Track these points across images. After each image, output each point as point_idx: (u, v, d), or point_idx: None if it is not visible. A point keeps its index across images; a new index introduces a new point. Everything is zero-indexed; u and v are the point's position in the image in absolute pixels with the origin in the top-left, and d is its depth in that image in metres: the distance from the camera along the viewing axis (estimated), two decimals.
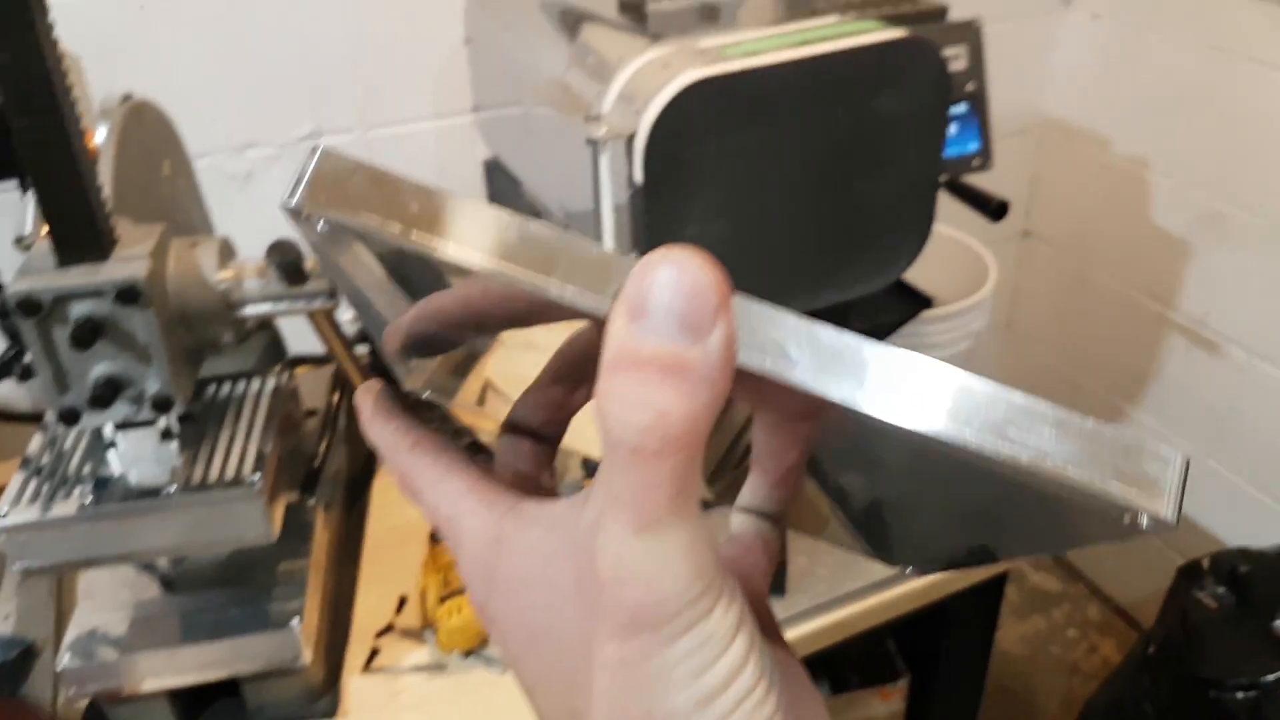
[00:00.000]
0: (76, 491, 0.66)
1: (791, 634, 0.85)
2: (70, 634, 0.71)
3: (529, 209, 1.08)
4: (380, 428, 0.26)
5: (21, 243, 0.72)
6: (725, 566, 0.26)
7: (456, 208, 0.21)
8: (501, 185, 1.16)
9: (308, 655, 0.72)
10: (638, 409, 0.18)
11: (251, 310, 0.67)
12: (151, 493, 0.66)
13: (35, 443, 0.71)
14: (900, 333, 1.19)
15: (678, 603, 0.19)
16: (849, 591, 0.88)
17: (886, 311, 1.14)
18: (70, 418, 0.64)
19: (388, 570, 0.89)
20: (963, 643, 1.14)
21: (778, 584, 0.86)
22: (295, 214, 0.22)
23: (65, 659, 0.69)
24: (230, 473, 0.67)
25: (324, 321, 0.78)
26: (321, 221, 0.22)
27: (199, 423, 0.71)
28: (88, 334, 0.60)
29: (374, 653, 0.81)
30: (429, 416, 0.28)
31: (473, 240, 0.20)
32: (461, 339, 0.28)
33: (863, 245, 0.87)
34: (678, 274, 0.18)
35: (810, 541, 0.91)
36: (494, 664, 0.80)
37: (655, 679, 0.20)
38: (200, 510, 0.66)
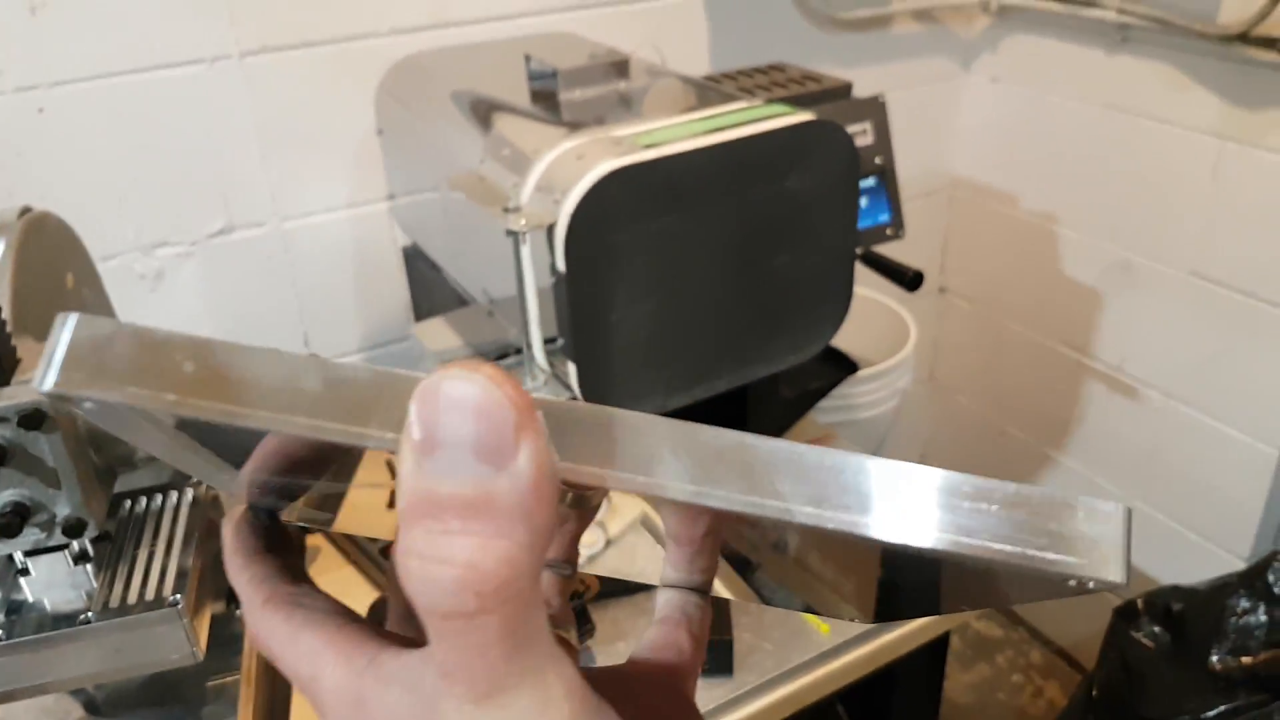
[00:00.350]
0: None
1: (740, 714, 0.85)
2: None
3: (451, 295, 1.09)
4: (236, 573, 0.24)
5: None
6: (645, 655, 0.27)
7: (240, 359, 0.18)
8: (422, 272, 1.17)
9: None
10: (442, 565, 0.16)
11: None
12: (68, 619, 0.64)
13: None
14: (829, 397, 1.22)
15: None
16: (797, 665, 0.88)
17: (815, 378, 1.17)
18: None
19: None
20: (912, 701, 1.15)
21: (724, 663, 0.86)
22: (54, 397, 0.19)
23: None
24: (150, 593, 0.65)
25: None
26: (87, 401, 0.19)
27: (115, 542, 0.69)
28: None
29: None
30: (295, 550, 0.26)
31: (260, 395, 0.18)
32: (314, 481, 0.26)
33: (787, 319, 0.89)
34: (464, 393, 0.16)
35: (755, 617, 0.92)
36: None
37: None
38: (121, 635, 0.64)
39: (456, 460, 0.16)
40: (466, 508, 0.16)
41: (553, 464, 0.17)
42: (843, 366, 1.20)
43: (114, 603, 0.64)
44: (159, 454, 0.26)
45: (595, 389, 0.82)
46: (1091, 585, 0.18)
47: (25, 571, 0.64)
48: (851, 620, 0.31)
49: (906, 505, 0.18)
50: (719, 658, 0.86)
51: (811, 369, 1.17)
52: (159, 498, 0.74)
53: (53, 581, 0.64)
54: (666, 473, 0.18)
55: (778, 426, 1.16)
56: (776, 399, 1.12)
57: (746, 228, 0.83)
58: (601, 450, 0.18)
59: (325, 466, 0.24)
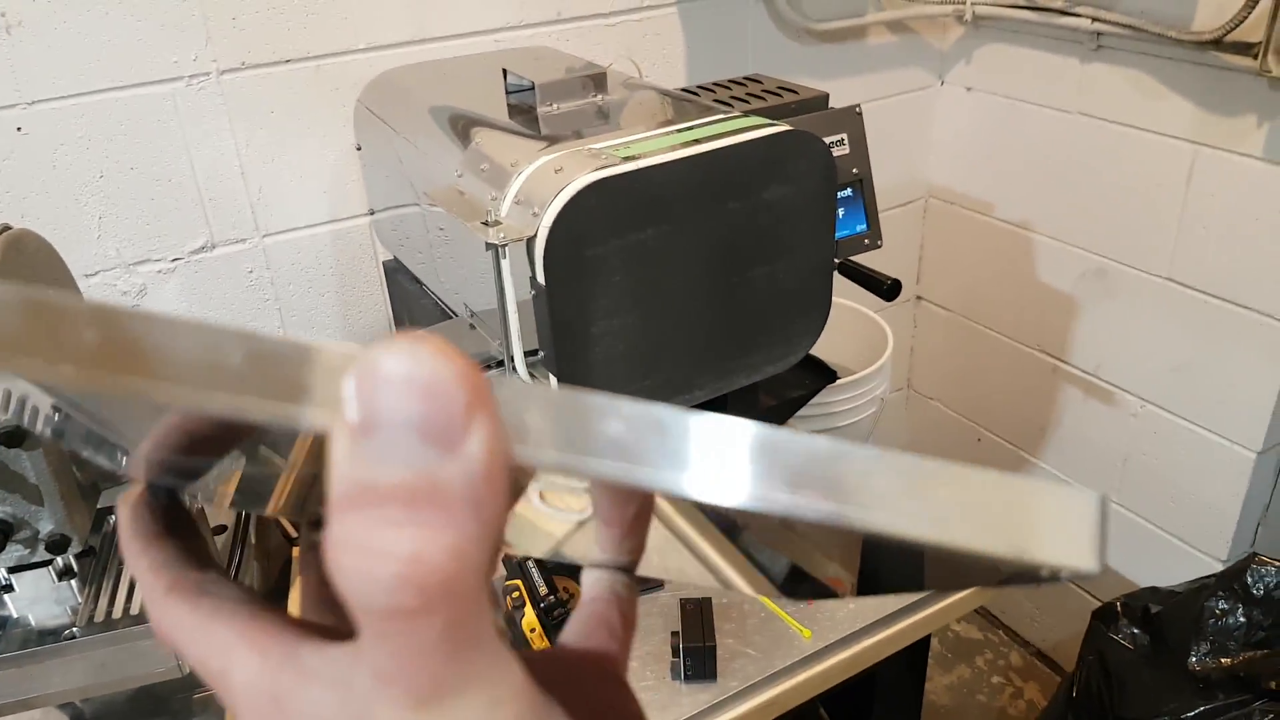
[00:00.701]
0: None
1: (726, 717, 0.87)
2: None
3: (433, 309, 1.10)
4: (134, 560, 0.22)
5: None
6: (579, 639, 0.26)
7: (152, 329, 0.16)
8: (403, 286, 1.18)
9: None
10: (382, 559, 0.14)
11: None
12: (54, 635, 0.64)
13: None
14: (808, 405, 1.24)
15: None
16: (779, 669, 0.90)
17: (794, 387, 1.19)
18: None
19: None
20: (893, 704, 1.17)
21: (708, 669, 0.88)
22: None
23: None
24: (135, 608, 0.66)
25: None
26: None
27: (99, 557, 0.70)
28: None
29: None
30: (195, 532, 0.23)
31: (175, 370, 0.16)
32: (226, 460, 0.24)
33: (766, 329, 0.91)
34: (409, 368, 0.15)
35: (738, 622, 0.94)
36: None
37: None
38: (106, 650, 0.64)
39: (399, 443, 0.15)
40: (410, 496, 0.14)
41: (508, 448, 0.15)
42: (821, 375, 1.22)
43: (99, 618, 0.65)
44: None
45: None
46: (1063, 574, 0.17)
47: (9, 588, 0.65)
48: (839, 590, 0.30)
49: (881, 491, 0.17)
50: (702, 663, 0.87)
51: (790, 378, 1.19)
52: None
53: (37, 597, 0.65)
54: (644, 461, 0.16)
55: None
56: (756, 408, 1.13)
57: (725, 239, 0.85)
58: (563, 434, 0.16)
59: (239, 444, 0.22)
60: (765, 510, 0.17)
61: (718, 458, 0.17)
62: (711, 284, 0.86)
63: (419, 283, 1.13)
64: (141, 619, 0.66)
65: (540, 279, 0.78)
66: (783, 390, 1.18)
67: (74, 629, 0.65)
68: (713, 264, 0.85)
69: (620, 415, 0.17)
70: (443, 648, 0.15)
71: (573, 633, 0.27)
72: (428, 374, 0.15)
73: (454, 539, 0.15)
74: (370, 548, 0.14)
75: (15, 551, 0.62)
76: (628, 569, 0.28)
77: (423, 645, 0.15)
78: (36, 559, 0.63)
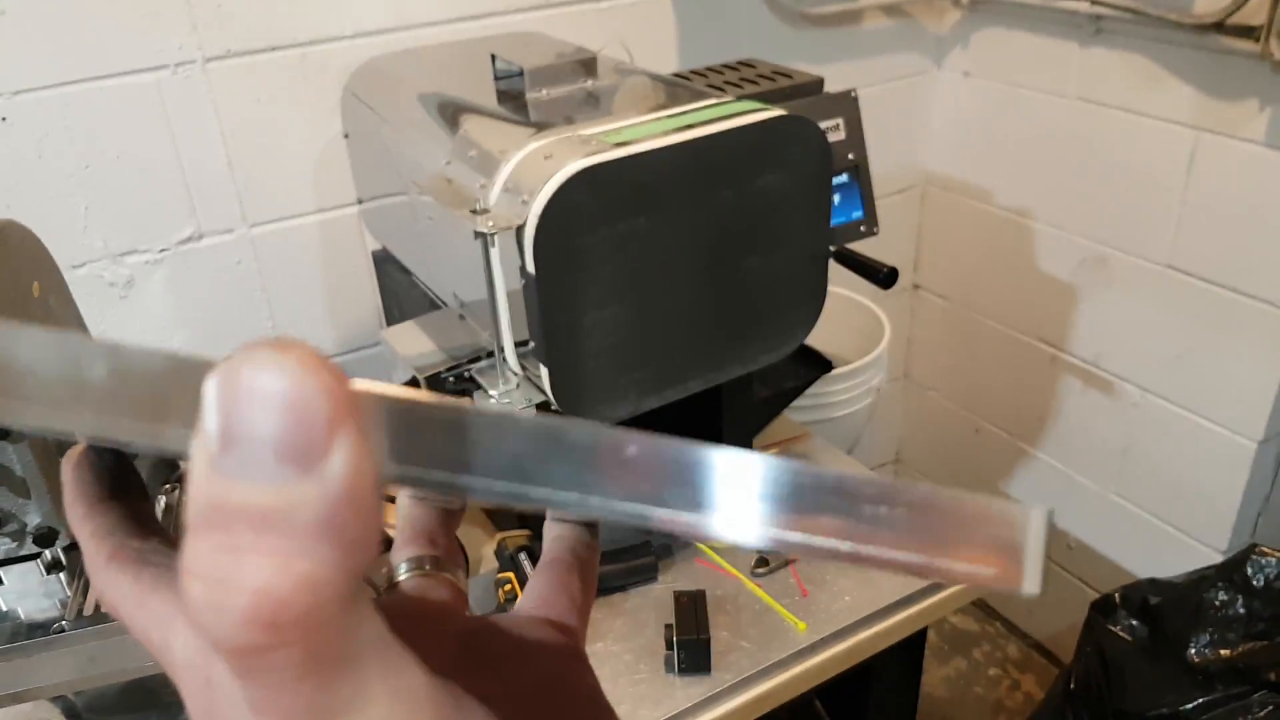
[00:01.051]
0: None
1: (719, 712, 0.87)
2: None
3: (422, 299, 1.11)
4: (77, 526, 0.21)
5: None
6: (536, 608, 0.26)
7: (7, 342, 0.16)
8: (392, 276, 1.19)
9: None
10: (230, 590, 0.13)
11: None
12: (43, 628, 0.65)
13: None
14: (804, 396, 1.25)
15: None
16: (774, 662, 0.91)
17: (789, 378, 1.20)
18: None
19: None
20: (890, 697, 1.18)
21: (702, 662, 0.89)
22: None
23: None
24: None
25: None
26: None
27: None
28: None
29: None
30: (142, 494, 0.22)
31: (33, 388, 0.15)
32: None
33: (760, 319, 0.92)
34: (269, 380, 0.14)
35: (732, 615, 0.94)
36: None
37: None
38: (96, 643, 0.65)
39: (255, 460, 0.14)
40: (261, 520, 0.14)
41: (373, 468, 0.14)
42: (817, 365, 1.23)
43: (88, 611, 0.65)
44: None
45: (567, 391, 0.84)
46: (1002, 589, 0.17)
47: None
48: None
49: (802, 504, 0.17)
50: (696, 656, 0.88)
51: (785, 368, 1.19)
52: None
53: (26, 591, 0.66)
54: (529, 480, 0.16)
55: (752, 427, 1.19)
56: (751, 399, 1.14)
57: (718, 226, 0.85)
58: (447, 452, 0.16)
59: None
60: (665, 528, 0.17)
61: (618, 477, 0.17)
62: (704, 273, 0.87)
63: (408, 272, 1.14)
64: None
65: (530, 268, 0.78)
66: (778, 381, 1.18)
67: (63, 622, 0.66)
68: (706, 252, 0.86)
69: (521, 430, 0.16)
70: (309, 679, 0.14)
71: (531, 598, 0.27)
72: (289, 386, 0.14)
73: (307, 569, 0.14)
74: (218, 576, 0.14)
75: (2, 545, 0.63)
76: (589, 523, 0.28)
77: (286, 678, 0.14)
78: (24, 552, 0.64)
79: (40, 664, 0.65)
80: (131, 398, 0.15)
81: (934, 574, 0.17)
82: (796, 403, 1.24)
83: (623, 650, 0.91)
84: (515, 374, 0.89)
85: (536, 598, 0.27)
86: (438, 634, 0.24)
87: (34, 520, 0.63)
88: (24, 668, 0.65)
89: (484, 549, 1.06)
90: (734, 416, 1.13)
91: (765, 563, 0.99)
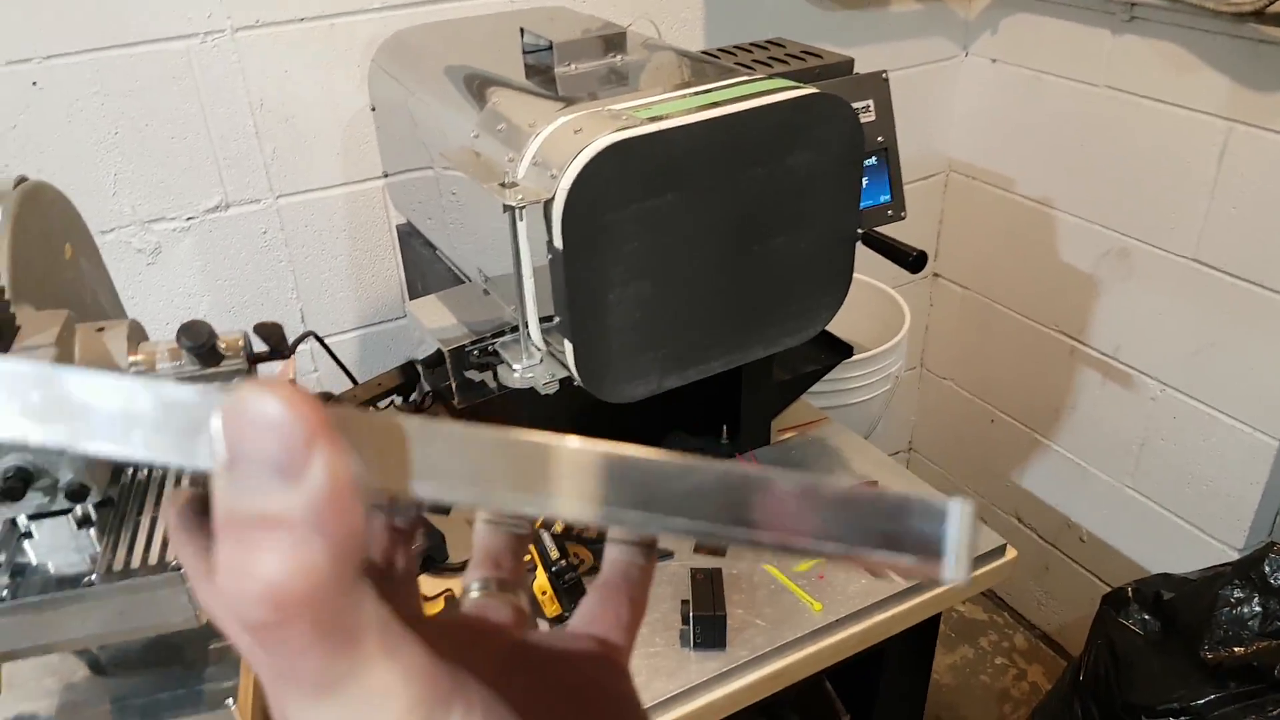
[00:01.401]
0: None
1: (732, 687, 0.89)
2: None
3: (446, 274, 1.12)
4: (180, 548, 0.25)
5: None
6: (583, 625, 0.29)
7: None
8: (416, 251, 1.20)
9: None
10: (247, 580, 0.17)
11: None
12: (72, 582, 0.66)
13: None
14: (822, 380, 1.26)
15: None
16: (789, 641, 0.92)
17: (809, 362, 1.20)
18: None
19: None
20: (900, 681, 1.19)
21: (717, 638, 0.90)
22: None
23: None
24: (153, 558, 0.68)
25: None
26: None
27: (118, 507, 0.72)
28: (13, 487, 0.61)
29: None
30: None
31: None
32: None
33: (785, 300, 0.93)
34: (259, 410, 0.17)
35: (749, 593, 0.95)
36: None
37: None
38: (123, 598, 0.66)
39: (255, 476, 0.17)
40: (263, 522, 0.17)
41: (349, 475, 0.18)
42: (837, 350, 1.24)
43: (117, 566, 0.67)
44: None
45: (592, 368, 0.85)
46: (931, 577, 0.19)
47: (29, 535, 0.67)
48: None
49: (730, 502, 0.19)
50: (712, 632, 0.89)
51: (806, 352, 1.20)
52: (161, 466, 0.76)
53: (56, 546, 0.67)
54: (474, 489, 0.20)
55: (771, 409, 1.20)
56: (770, 381, 1.15)
57: (746, 205, 0.86)
58: (401, 463, 0.20)
59: None
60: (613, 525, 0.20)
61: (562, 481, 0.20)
62: (731, 252, 0.87)
63: (432, 247, 1.15)
64: (160, 569, 0.68)
65: (557, 243, 0.79)
66: (797, 364, 1.19)
67: (92, 577, 0.67)
68: (733, 231, 0.87)
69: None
70: (317, 648, 0.18)
71: (581, 615, 0.30)
72: (273, 414, 0.17)
73: (302, 558, 0.17)
74: (238, 570, 0.17)
75: (34, 500, 0.64)
76: (646, 544, 0.30)
77: (297, 649, 0.18)
78: (56, 507, 0.65)
79: (68, 617, 0.66)
80: (169, 426, 0.19)
81: (857, 562, 0.19)
82: (814, 388, 1.24)
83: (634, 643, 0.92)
84: (539, 349, 0.90)
85: (586, 615, 0.30)
86: (490, 646, 0.27)
87: (66, 476, 0.64)
88: (52, 620, 0.66)
89: None
90: (753, 398, 1.14)
91: None
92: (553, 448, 0.20)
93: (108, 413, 0.19)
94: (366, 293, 1.31)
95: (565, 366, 0.88)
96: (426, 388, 1.28)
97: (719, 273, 0.88)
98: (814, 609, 0.95)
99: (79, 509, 0.67)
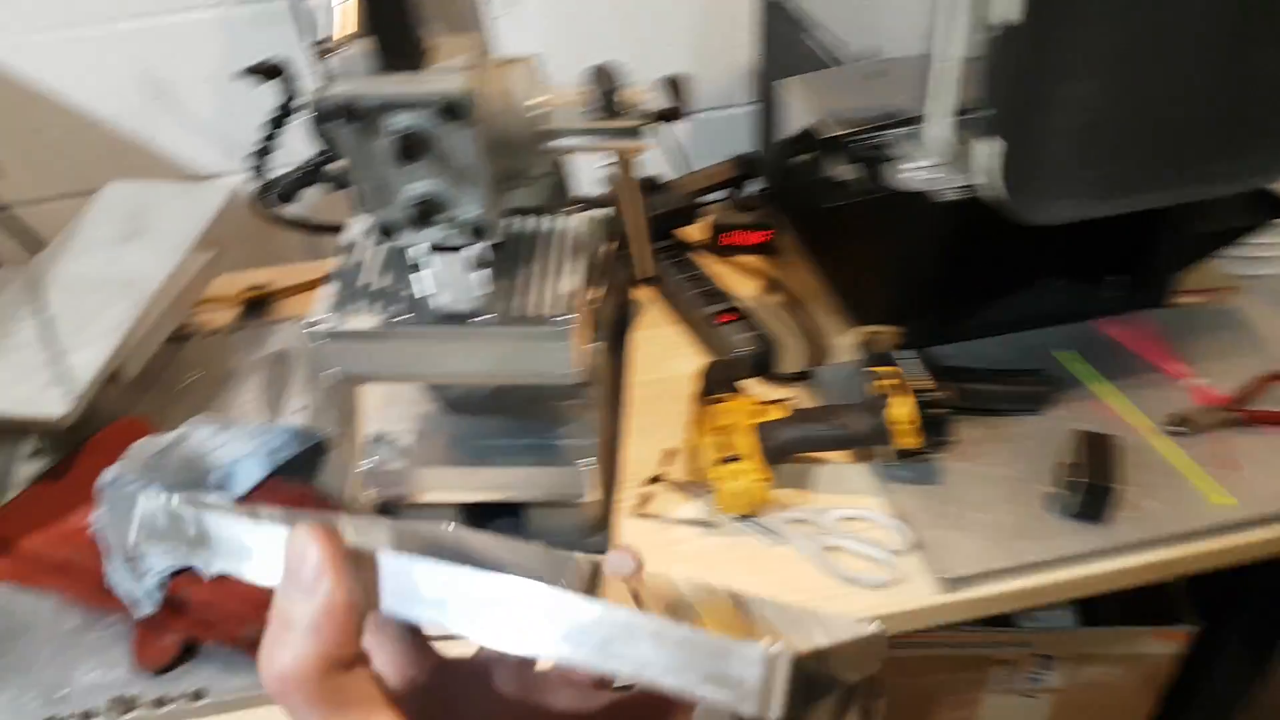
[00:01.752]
0: (389, 309, 0.67)
1: (1110, 567, 0.78)
2: (368, 439, 0.76)
3: (812, 56, 1.01)
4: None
5: (322, 46, 0.71)
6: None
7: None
8: (781, 28, 1.09)
9: (593, 494, 0.76)
10: (266, 663, 0.27)
11: (564, 142, 0.64)
12: (459, 319, 0.66)
13: (342, 257, 0.72)
14: (1243, 244, 1.06)
15: None
16: (1186, 531, 0.80)
17: (1239, 215, 1.01)
18: (388, 232, 0.63)
19: (649, 422, 0.91)
20: (1264, 597, 1.05)
21: (1098, 511, 0.79)
22: None
23: (366, 462, 0.75)
24: (544, 307, 0.65)
25: (627, 167, 0.75)
26: None
27: (509, 252, 0.70)
28: (412, 148, 0.58)
29: (645, 498, 0.84)
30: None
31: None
32: None
33: (1265, 130, 0.76)
34: (297, 543, 0.27)
35: (1145, 472, 0.83)
36: (768, 532, 0.80)
37: None
38: (510, 342, 0.65)
39: (291, 590, 0.27)
40: (286, 624, 0.27)
41: (347, 594, 0.26)
42: (1269, 208, 1.03)
43: (512, 311, 0.65)
44: None
45: (1019, 175, 0.73)
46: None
47: (421, 266, 0.66)
48: None
49: (597, 640, 0.24)
50: (1096, 502, 0.79)
51: (1236, 203, 1.01)
52: (547, 219, 0.74)
53: (450, 281, 0.66)
54: (445, 617, 0.26)
55: (1186, 260, 1.03)
56: (1195, 228, 0.98)
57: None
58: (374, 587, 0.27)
59: None
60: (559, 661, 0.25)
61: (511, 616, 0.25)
62: (1218, 60, 0.71)
63: (802, 25, 1.03)
64: (546, 321, 0.66)
65: (1013, 14, 0.66)
66: (1225, 216, 1.01)
67: (483, 317, 0.66)
68: (1227, 33, 0.70)
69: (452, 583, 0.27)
70: (315, 712, 0.26)
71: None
72: (301, 548, 0.27)
73: (297, 652, 0.26)
74: (264, 656, 0.27)
75: (438, 231, 0.62)
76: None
77: (299, 713, 0.26)
78: (457, 241, 0.63)
79: (456, 352, 0.66)
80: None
81: (682, 696, 0.23)
82: (1232, 250, 1.06)
83: (1001, 476, 0.84)
84: (943, 143, 0.78)
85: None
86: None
87: (470, 212, 0.62)
88: (441, 352, 0.66)
89: (838, 339, 1.00)
90: (1172, 244, 0.98)
91: (1184, 421, 0.87)
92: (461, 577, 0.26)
93: (227, 540, 0.29)
94: (710, 73, 1.23)
95: (976, 172, 0.77)
96: (761, 184, 1.20)
97: (1198, 83, 0.72)
98: (1224, 502, 0.81)
99: (476, 247, 0.65)
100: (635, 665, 0.23)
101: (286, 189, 0.74)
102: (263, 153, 0.79)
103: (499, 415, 0.77)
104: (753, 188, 1.19)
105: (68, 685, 0.70)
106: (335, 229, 0.75)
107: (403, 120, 0.58)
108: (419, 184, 0.61)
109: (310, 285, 1.11)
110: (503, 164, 0.63)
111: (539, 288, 0.67)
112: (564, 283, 0.67)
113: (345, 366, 0.68)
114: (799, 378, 0.95)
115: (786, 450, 0.81)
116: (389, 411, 0.78)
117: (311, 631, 0.26)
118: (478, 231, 0.62)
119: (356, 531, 0.30)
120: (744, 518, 0.81)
